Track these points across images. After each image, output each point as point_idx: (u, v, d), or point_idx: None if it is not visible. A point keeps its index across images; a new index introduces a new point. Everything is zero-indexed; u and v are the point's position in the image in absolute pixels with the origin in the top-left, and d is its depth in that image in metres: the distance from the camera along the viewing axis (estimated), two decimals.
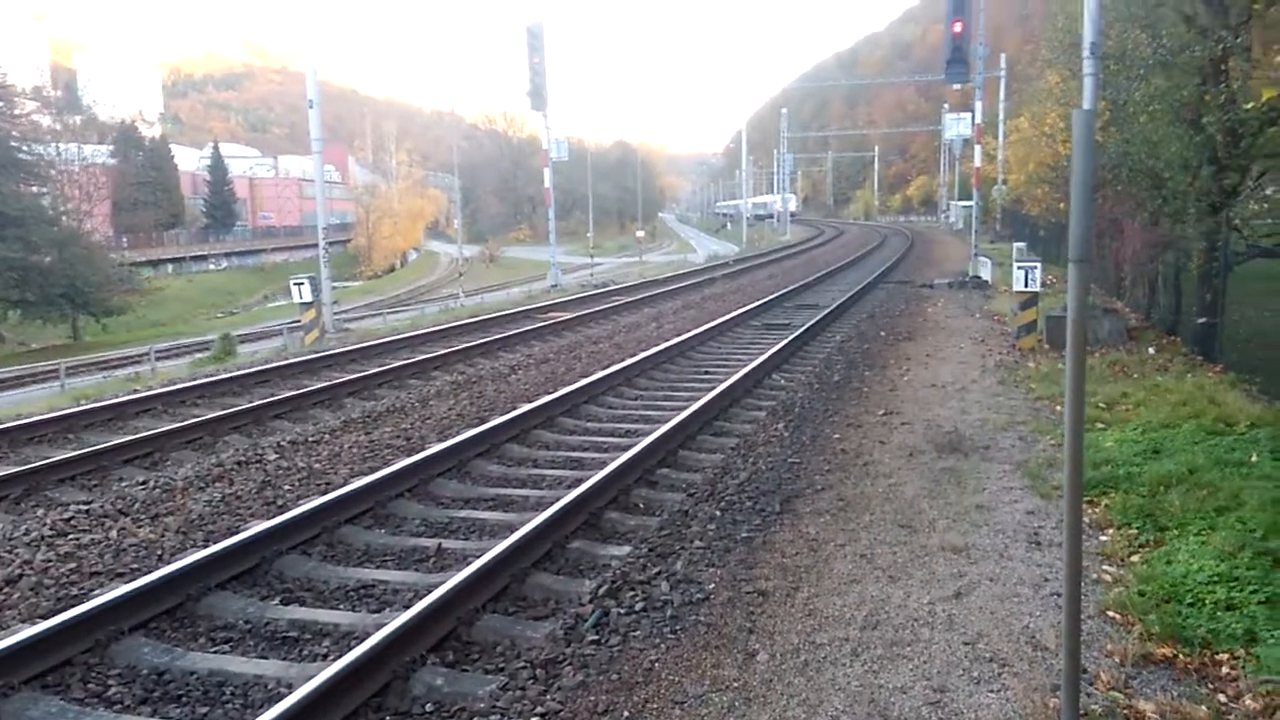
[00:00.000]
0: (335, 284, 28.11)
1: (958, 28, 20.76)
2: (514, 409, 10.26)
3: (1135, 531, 6.13)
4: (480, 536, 6.74)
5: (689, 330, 16.51)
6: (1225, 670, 4.37)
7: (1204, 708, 4.01)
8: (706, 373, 13.04)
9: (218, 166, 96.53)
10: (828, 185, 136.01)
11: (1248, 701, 4.08)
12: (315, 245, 21.43)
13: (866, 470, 7.87)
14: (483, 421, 9.81)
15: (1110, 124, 16.12)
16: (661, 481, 7.88)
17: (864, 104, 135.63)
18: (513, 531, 6.08)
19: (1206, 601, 4.94)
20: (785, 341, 14.29)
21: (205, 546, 6.19)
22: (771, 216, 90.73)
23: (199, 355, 22.45)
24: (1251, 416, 8.49)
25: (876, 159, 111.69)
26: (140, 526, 6.96)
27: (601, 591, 5.40)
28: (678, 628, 4.98)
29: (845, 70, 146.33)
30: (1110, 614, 5.00)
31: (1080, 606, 3.75)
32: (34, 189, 48.91)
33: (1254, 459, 7.22)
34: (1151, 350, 13.04)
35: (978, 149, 28.02)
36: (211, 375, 13.54)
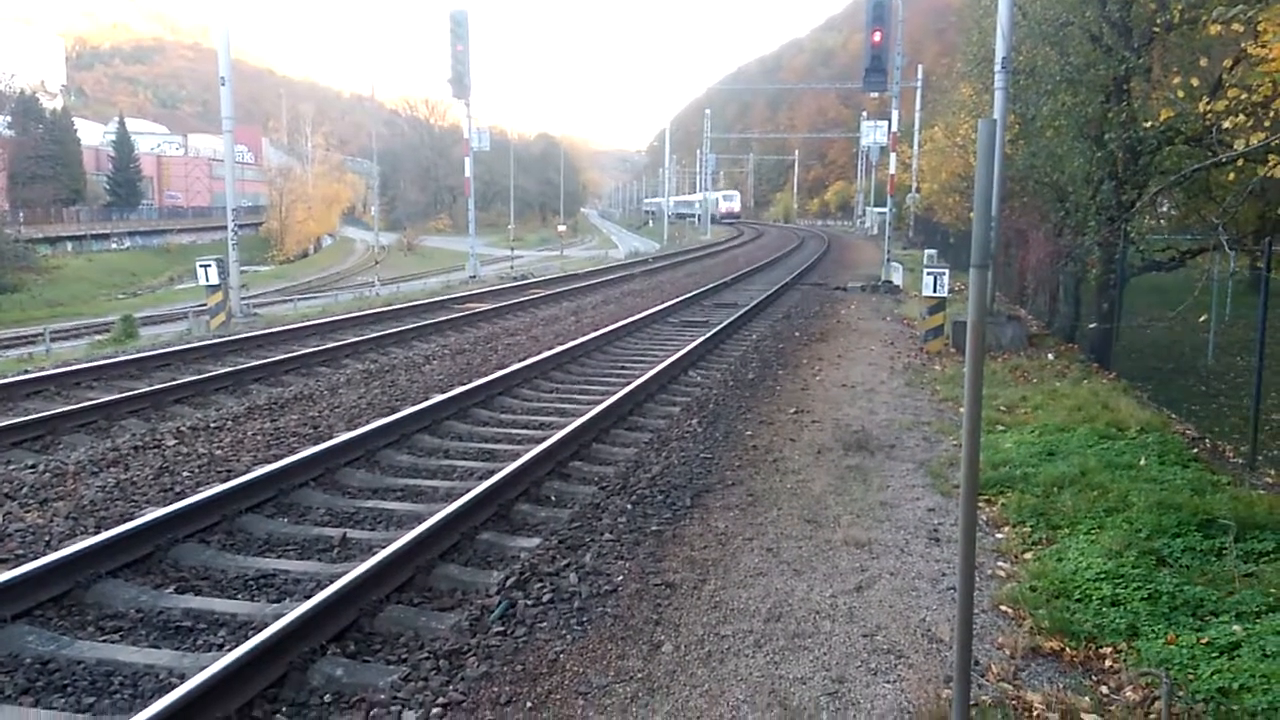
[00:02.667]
0: (245, 268, 27.34)
1: (877, 37, 21.23)
2: (427, 399, 10.13)
3: (1029, 530, 6.36)
4: (387, 527, 6.64)
5: (607, 325, 16.51)
6: (1109, 663, 4.56)
7: (1087, 698, 4.18)
8: (623, 367, 13.06)
9: (123, 142, 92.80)
10: (749, 187, 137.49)
11: (1128, 693, 4.27)
12: (224, 227, 20.79)
13: (776, 466, 7.99)
14: (394, 411, 9.65)
15: (1019, 137, 16.65)
16: (574, 474, 7.87)
17: (786, 108, 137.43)
18: (421, 522, 6.00)
19: (1093, 597, 5.15)
20: (702, 339, 14.41)
21: (97, 533, 5.97)
22: (694, 215, 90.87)
23: (98, 337, 21.60)
24: (1141, 421, 8.88)
25: (796, 163, 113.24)
26: (28, 511, 6.67)
27: (509, 583, 5.38)
28: (585, 619, 4.98)
29: (768, 74, 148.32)
30: (1003, 608, 5.17)
31: (974, 601, 3.87)
32: None
33: (1142, 462, 7.55)
34: (1051, 356, 13.53)
35: (893, 157, 28.62)
36: (110, 357, 13.04)
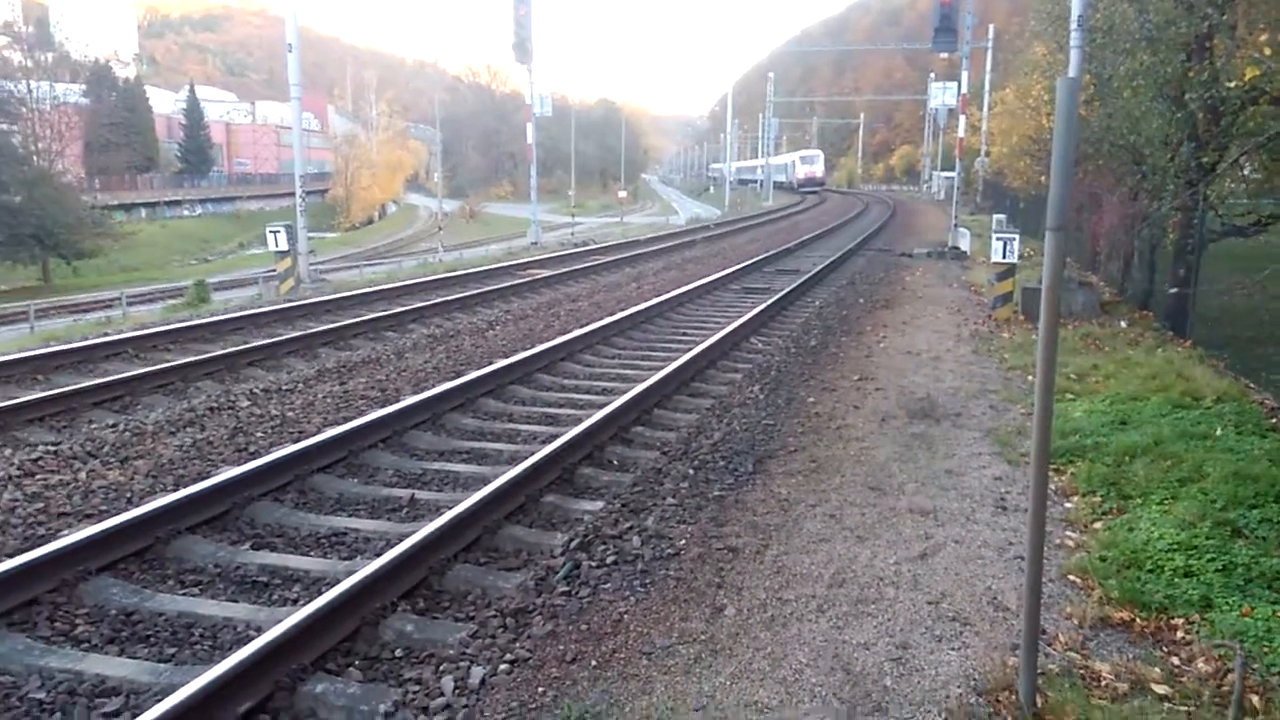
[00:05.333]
0: (312, 234, 27.79)
1: None
2: (490, 364, 10.24)
3: (1099, 499, 6.23)
4: (454, 488, 6.75)
5: (669, 291, 16.49)
6: (1180, 635, 4.48)
7: (1158, 669, 4.11)
8: (684, 334, 13.05)
9: (194, 110, 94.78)
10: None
11: (1200, 665, 4.19)
12: (292, 194, 21.14)
13: (839, 433, 7.94)
14: (459, 375, 9.79)
15: (1094, 98, 16.13)
16: (636, 439, 7.91)
17: (851, 71, 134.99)
18: (486, 484, 6.10)
19: (1165, 568, 5.04)
20: (764, 305, 14.32)
21: (175, 490, 6.17)
22: (757, 181, 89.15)
23: (172, 301, 22.22)
24: (1218, 391, 8.63)
25: (861, 127, 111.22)
26: (110, 469, 6.93)
27: (573, 545, 5.44)
28: (648, 581, 5.03)
29: (833, 37, 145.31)
30: (1071, 578, 5.10)
31: (1042, 570, 3.82)
32: (3, 127, 47.91)
33: (1218, 432, 7.34)
34: (1124, 324, 13.18)
35: (962, 119, 27.93)
36: (184, 321, 13.41)
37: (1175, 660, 4.25)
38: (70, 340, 12.04)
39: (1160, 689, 3.96)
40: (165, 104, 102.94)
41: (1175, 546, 5.24)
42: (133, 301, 24.81)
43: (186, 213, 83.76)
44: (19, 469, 6.84)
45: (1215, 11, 12.40)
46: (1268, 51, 10.07)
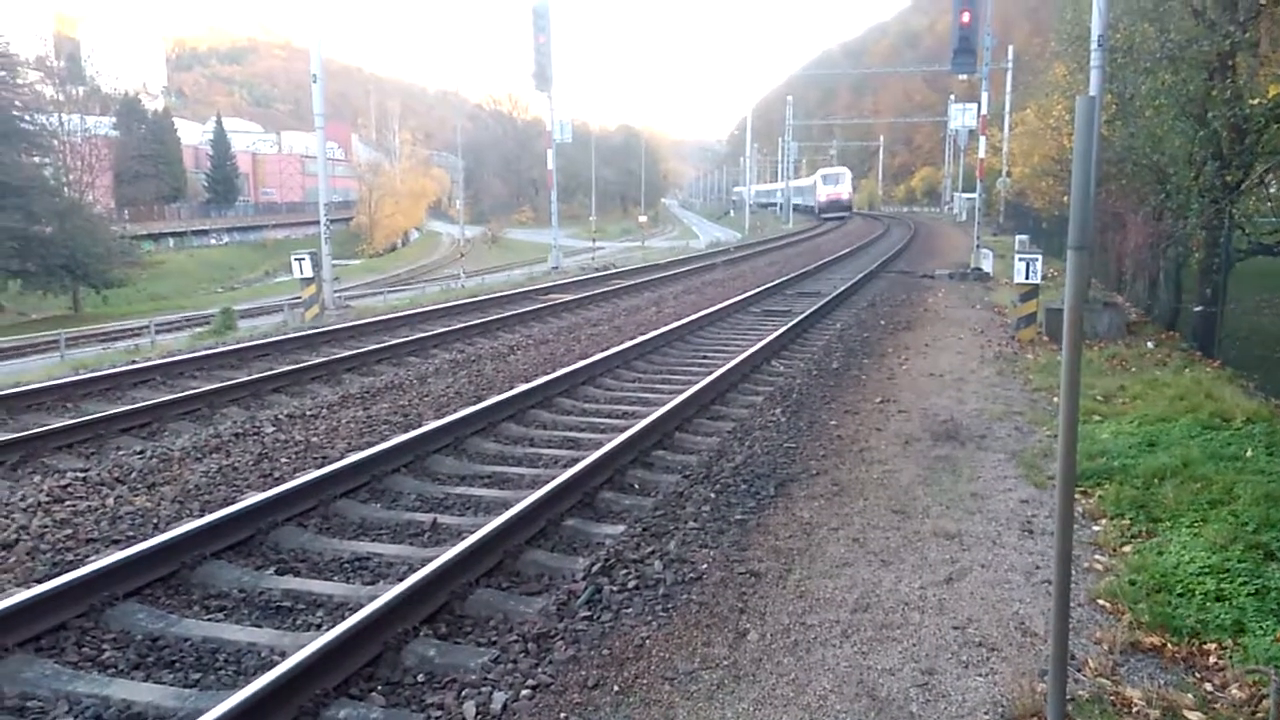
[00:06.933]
0: (336, 261, 28.05)
1: (966, 18, 20.74)
2: (512, 388, 10.27)
3: (1128, 522, 6.15)
4: (476, 513, 6.76)
5: (689, 315, 16.51)
6: (1213, 660, 4.40)
7: (1190, 695, 4.04)
8: (705, 357, 13.04)
9: (220, 141, 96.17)
10: None
11: (1234, 691, 4.11)
12: (317, 222, 21.41)
13: (862, 456, 7.89)
14: (480, 400, 9.82)
15: (1116, 118, 16.07)
16: (657, 463, 7.90)
17: (870, 94, 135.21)
18: (508, 508, 6.10)
19: (1196, 592, 4.96)
20: (785, 328, 14.29)
21: (201, 516, 6.21)
22: (776, 205, 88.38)
23: (199, 329, 22.46)
24: (1248, 412, 8.50)
25: (881, 149, 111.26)
26: (137, 495, 6.99)
27: (595, 569, 5.43)
28: (670, 606, 5.01)
29: (852, 59, 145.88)
30: (1100, 602, 5.02)
31: (1070, 594, 3.77)
32: (36, 159, 48.84)
33: (1249, 454, 7.24)
34: (1150, 344, 13.05)
35: (982, 140, 27.92)
36: (211, 348, 13.56)
37: (1208, 686, 4.18)
38: (99, 368, 12.21)
39: (1193, 716, 3.89)
40: (193, 135, 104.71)
41: (1206, 570, 5.16)
42: (161, 330, 25.08)
43: (214, 241, 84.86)
44: (48, 495, 6.92)
45: (1237, 29, 12.35)
46: None
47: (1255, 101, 11.39)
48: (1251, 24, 12.55)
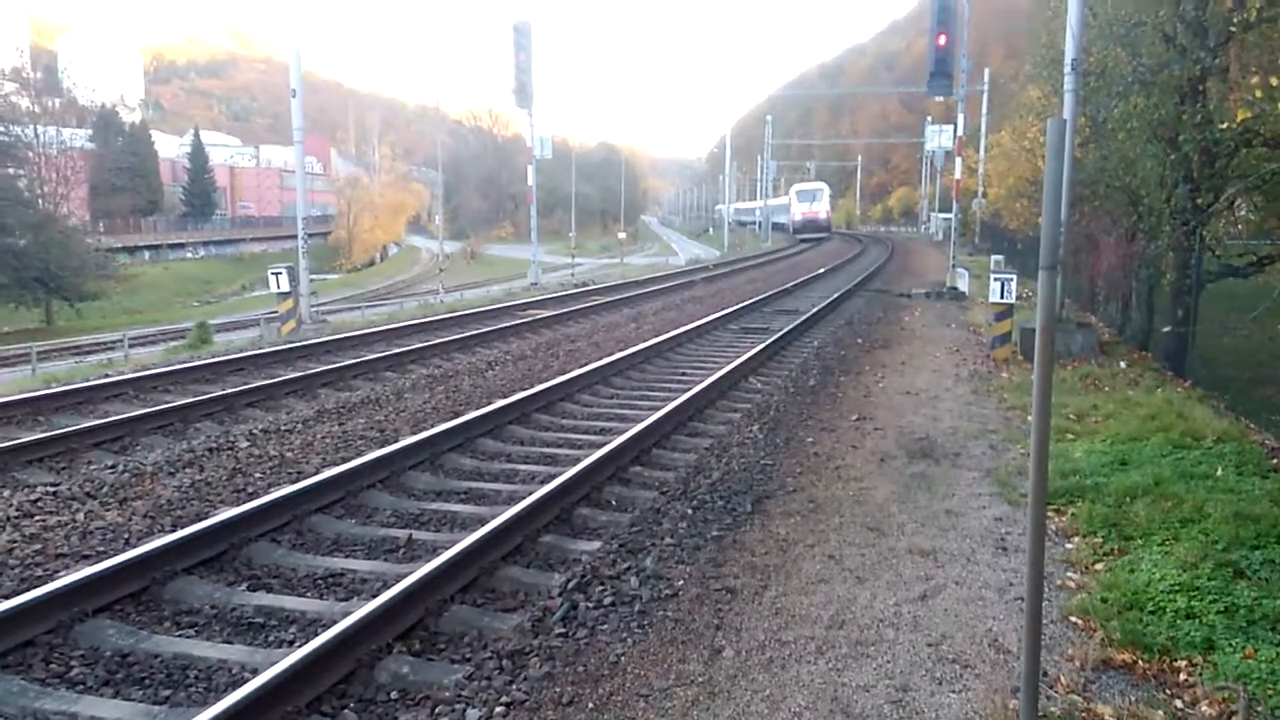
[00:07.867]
0: (314, 276, 27.93)
1: (942, 40, 20.98)
2: (489, 404, 10.24)
3: (1100, 540, 6.20)
4: (451, 528, 6.73)
5: (667, 331, 16.54)
6: (1183, 677, 4.44)
7: (1161, 712, 4.07)
8: (683, 374, 13.07)
9: (198, 154, 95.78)
10: None
11: (1204, 707, 4.15)
12: (295, 236, 21.33)
13: (838, 473, 7.92)
14: (457, 415, 9.78)
15: (1089, 140, 16.28)
16: (634, 479, 7.89)
17: (848, 114, 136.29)
18: (484, 524, 6.08)
19: (1167, 610, 5.01)
20: (763, 345, 14.35)
21: (173, 531, 6.15)
22: (754, 223, 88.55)
23: (174, 343, 22.27)
24: (1218, 431, 8.61)
25: (859, 169, 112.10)
26: (108, 510, 6.91)
27: (571, 585, 5.41)
28: (645, 623, 5.00)
29: (830, 80, 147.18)
30: (1072, 619, 5.06)
31: (1042, 611, 3.80)
32: (10, 171, 48.34)
33: (1219, 473, 7.33)
34: (1123, 364, 13.20)
35: (959, 161, 28.19)
36: (185, 362, 13.44)
37: (1178, 703, 4.21)
38: (71, 381, 12.08)
39: None
40: (170, 148, 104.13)
41: (1177, 588, 5.21)
42: (135, 343, 24.86)
43: (190, 255, 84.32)
44: (17, 510, 6.82)
45: (1207, 55, 12.56)
46: (1259, 94, 10.16)
47: (1225, 126, 11.55)
48: (1221, 50, 12.77)
